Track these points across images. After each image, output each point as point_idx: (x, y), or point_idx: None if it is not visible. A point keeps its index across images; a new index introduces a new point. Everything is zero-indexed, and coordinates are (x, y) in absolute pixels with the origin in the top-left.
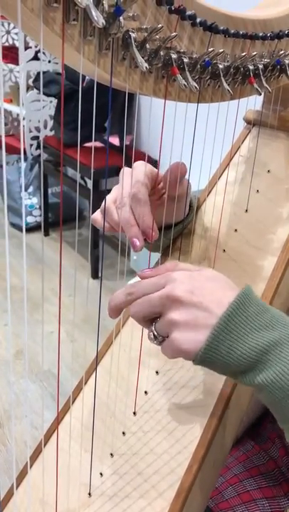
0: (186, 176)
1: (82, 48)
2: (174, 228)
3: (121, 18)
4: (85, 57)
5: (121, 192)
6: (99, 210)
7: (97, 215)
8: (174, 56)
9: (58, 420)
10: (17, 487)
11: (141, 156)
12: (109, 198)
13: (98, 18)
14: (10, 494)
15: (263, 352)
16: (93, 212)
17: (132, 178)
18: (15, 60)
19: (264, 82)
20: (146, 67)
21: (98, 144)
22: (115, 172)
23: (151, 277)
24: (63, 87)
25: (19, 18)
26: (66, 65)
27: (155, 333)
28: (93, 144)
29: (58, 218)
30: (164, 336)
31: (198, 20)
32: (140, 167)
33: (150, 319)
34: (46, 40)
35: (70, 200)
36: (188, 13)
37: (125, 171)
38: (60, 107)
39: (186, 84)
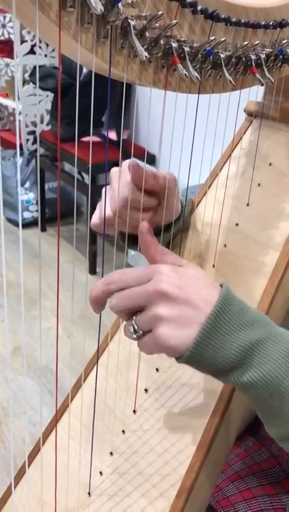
0: (186, 171)
1: (80, 36)
2: (170, 228)
3: (120, 4)
4: (82, 46)
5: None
6: (95, 215)
7: (95, 220)
8: (174, 45)
9: (57, 418)
10: (15, 486)
11: (139, 150)
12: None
13: (96, 5)
14: (8, 493)
15: (249, 350)
16: (91, 207)
17: (120, 180)
18: (11, 54)
19: (266, 73)
20: (145, 57)
21: (95, 139)
22: (113, 167)
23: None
24: (60, 77)
25: (13, 4)
26: (62, 58)
27: (135, 327)
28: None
29: (54, 214)
30: (145, 330)
31: (199, 7)
32: (125, 170)
33: (130, 312)
34: (42, 28)
35: (67, 196)
36: (189, 0)
37: (116, 170)
38: (57, 101)
39: (187, 74)
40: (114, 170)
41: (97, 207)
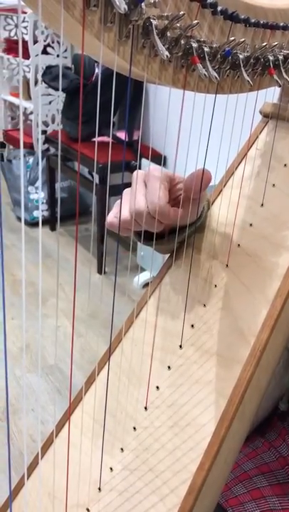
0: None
1: (102, 35)
2: (188, 229)
3: (142, 4)
4: (104, 45)
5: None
6: (112, 213)
7: (112, 219)
8: (194, 45)
9: (70, 413)
10: (27, 479)
11: (148, 150)
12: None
13: (120, 4)
14: (19, 487)
15: None
16: (98, 207)
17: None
18: (24, 54)
19: (284, 74)
20: (166, 56)
21: (107, 139)
22: (124, 167)
23: None
24: (82, 74)
25: (39, 3)
26: (74, 59)
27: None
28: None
29: (64, 213)
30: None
31: (219, 8)
32: (156, 171)
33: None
34: (65, 27)
35: (76, 195)
36: (209, 1)
37: (139, 173)
38: (68, 101)
39: (206, 74)
40: (139, 173)
41: (115, 206)
